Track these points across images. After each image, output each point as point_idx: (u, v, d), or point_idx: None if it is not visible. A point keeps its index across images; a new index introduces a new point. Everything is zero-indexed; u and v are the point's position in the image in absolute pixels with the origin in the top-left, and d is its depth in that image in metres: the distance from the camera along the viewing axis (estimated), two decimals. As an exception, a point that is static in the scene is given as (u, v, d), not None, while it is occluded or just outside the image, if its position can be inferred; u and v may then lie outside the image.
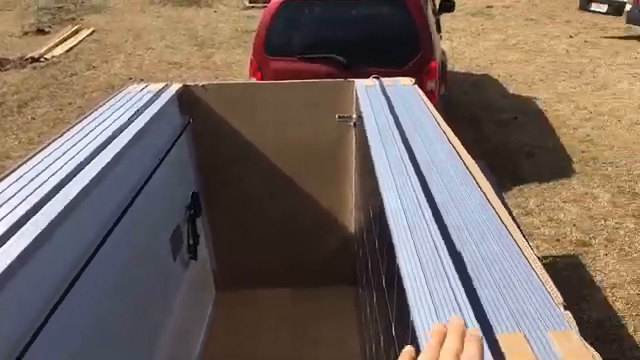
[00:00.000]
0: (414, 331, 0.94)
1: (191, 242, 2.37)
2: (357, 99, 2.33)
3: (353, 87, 2.42)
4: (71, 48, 9.30)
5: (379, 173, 1.54)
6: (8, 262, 1.08)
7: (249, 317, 2.70)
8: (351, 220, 2.69)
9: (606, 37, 9.77)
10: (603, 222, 4.04)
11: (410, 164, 1.57)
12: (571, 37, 9.81)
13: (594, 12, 10.30)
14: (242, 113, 2.50)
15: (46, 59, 8.42)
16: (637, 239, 3.81)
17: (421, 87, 2.67)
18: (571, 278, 3.35)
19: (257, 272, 2.79)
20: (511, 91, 7.10)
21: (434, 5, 6.21)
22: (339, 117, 2.49)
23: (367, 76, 5.12)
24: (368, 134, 1.85)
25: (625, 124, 5.86)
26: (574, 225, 4.01)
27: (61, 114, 6.25)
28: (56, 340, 1.22)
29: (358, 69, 4.73)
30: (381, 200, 1.42)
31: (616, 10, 9.73)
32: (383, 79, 2.43)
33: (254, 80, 4.97)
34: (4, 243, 1.14)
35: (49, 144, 1.70)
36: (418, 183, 1.45)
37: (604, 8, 9.99)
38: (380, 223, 1.52)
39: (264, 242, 2.76)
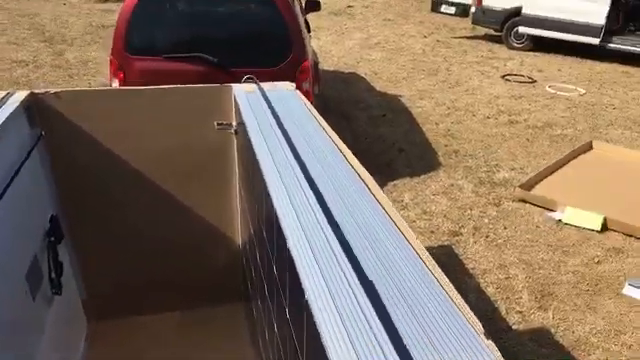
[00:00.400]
0: (323, 348, 0.88)
1: (53, 275, 2.05)
2: (237, 105, 2.19)
3: (232, 92, 2.27)
4: None
5: (268, 181, 1.47)
6: None
7: (129, 348, 2.43)
8: (237, 232, 2.54)
9: (455, 37, 10.62)
10: (469, 212, 4.34)
11: (299, 170, 1.53)
12: (425, 37, 10.51)
13: (444, 13, 11.15)
14: (105, 123, 2.22)
15: None
16: (499, 226, 4.15)
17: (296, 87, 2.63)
18: (448, 268, 3.53)
19: (135, 297, 2.52)
20: (378, 88, 7.39)
21: (301, 4, 6.22)
22: (218, 124, 2.32)
23: (240, 76, 4.95)
24: (253, 141, 1.74)
25: (479, 118, 6.39)
26: (445, 216, 4.26)
27: None
28: None
29: (229, 69, 4.56)
30: (273, 209, 1.35)
31: (463, 12, 10.62)
32: (263, 84, 2.31)
33: (115, 82, 4.56)
34: None
35: None
36: (310, 190, 1.42)
37: (452, 10, 10.86)
38: (274, 233, 1.44)
39: (140, 263, 2.50)
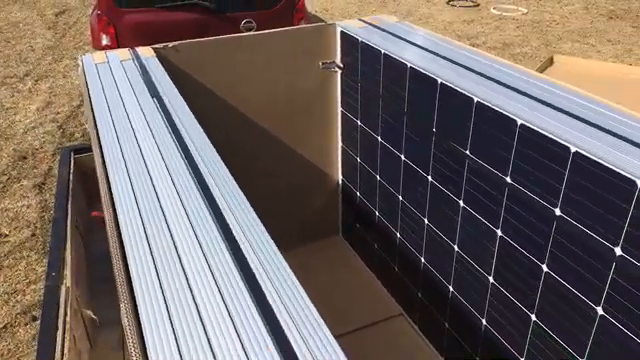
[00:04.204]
0: None
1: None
2: (347, 42, 2.23)
3: (336, 30, 2.29)
4: None
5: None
6: None
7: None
8: (338, 169, 2.63)
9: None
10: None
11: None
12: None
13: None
14: (213, 72, 2.19)
15: None
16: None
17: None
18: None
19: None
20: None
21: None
22: (322, 64, 2.35)
23: (238, 21, 4.82)
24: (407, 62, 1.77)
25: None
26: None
27: None
28: None
29: (227, 14, 4.43)
30: None
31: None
32: (365, 18, 2.35)
33: (104, 37, 4.30)
34: None
35: None
36: None
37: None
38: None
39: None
